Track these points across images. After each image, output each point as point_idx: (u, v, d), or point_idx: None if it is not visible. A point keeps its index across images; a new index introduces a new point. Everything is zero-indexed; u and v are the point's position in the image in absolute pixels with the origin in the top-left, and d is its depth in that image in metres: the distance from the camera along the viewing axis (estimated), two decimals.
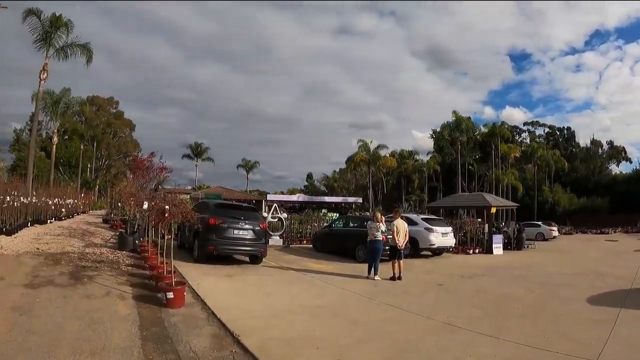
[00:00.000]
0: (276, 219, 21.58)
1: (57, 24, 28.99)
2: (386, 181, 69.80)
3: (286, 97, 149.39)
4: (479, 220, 25.03)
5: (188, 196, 37.95)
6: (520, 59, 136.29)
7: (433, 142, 68.50)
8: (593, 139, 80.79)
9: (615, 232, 48.89)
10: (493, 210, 23.36)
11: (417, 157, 70.54)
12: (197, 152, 73.95)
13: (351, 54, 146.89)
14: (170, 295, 7.56)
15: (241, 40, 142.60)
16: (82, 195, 38.90)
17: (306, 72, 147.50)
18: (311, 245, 20.26)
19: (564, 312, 8.35)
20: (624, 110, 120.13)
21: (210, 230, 12.58)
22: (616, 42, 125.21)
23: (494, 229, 22.76)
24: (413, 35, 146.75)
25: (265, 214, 20.97)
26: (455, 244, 20.11)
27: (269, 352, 5.47)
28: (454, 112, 52.61)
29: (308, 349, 5.69)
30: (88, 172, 62.99)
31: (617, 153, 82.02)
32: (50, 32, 28.90)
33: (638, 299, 9.77)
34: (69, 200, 28.40)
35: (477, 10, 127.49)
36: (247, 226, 13.07)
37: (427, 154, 67.36)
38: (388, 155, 61.87)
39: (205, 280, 10.00)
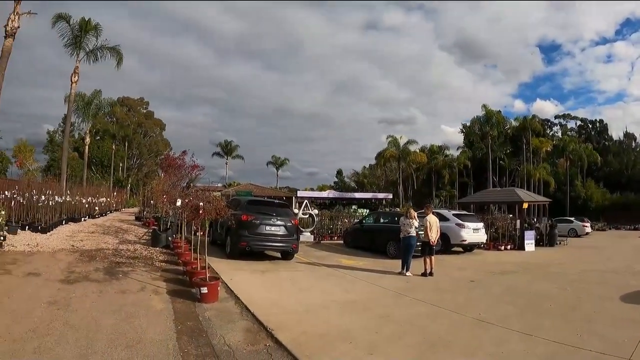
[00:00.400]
0: (307, 215, 21.72)
1: (86, 28, 29.70)
2: (416, 177, 69.29)
3: (316, 93, 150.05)
4: (510, 216, 24.73)
5: (219, 193, 38.34)
6: (550, 50, 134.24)
7: (463, 137, 68.11)
8: (626, 131, 79.44)
9: None
10: (525, 205, 23.00)
11: (447, 152, 69.57)
12: (227, 150, 74.60)
13: (380, 50, 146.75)
14: (205, 290, 7.70)
15: (271, 38, 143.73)
16: (115, 193, 39.65)
17: (336, 68, 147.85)
18: (342, 242, 20.35)
19: (597, 310, 8.25)
20: None
21: (243, 226, 12.71)
22: None
23: (526, 225, 22.50)
24: (441, 28, 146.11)
25: (296, 210, 20.99)
26: (486, 240, 19.94)
27: (302, 346, 5.52)
28: (484, 105, 52.19)
29: (341, 343, 5.75)
30: (120, 171, 64.13)
31: None
32: (80, 36, 29.63)
33: None
34: (102, 199, 29.03)
35: (506, 1, 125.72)
36: (278, 222, 13.22)
37: (457, 149, 66.93)
38: (418, 150, 61.57)
39: (238, 276, 10.15)
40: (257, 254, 13.35)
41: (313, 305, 7.78)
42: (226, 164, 75.17)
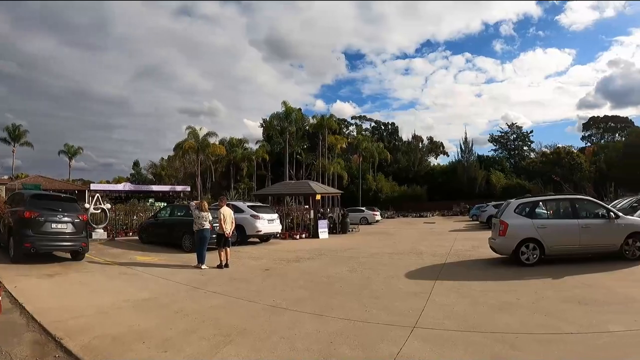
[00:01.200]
0: (99, 211, 20.25)
1: None
2: (215, 169, 68.92)
3: (120, 76, 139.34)
4: (306, 207, 26.03)
5: (3, 188, 34.53)
6: (354, 58, 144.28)
7: (262, 131, 69.66)
8: (414, 134, 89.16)
9: (433, 215, 54.33)
10: (318, 197, 24.47)
11: (246, 145, 70.39)
12: (14, 135, 65.31)
13: (190, 37, 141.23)
14: None
15: (76, 10, 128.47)
16: None
17: (143, 51, 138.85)
18: (137, 237, 19.44)
19: (384, 288, 9.02)
20: (446, 111, 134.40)
21: (26, 225, 11.47)
22: (444, 53, 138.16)
23: (320, 215, 23.83)
24: (255, 24, 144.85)
25: (87, 205, 19.68)
26: (282, 230, 20.76)
27: (94, 352, 5.18)
28: (284, 102, 53.97)
29: (135, 343, 5.50)
30: None
31: (436, 147, 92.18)
32: None
33: (450, 272, 10.97)
34: None
35: (323, 8, 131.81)
36: (65, 219, 12.13)
37: (256, 143, 67.91)
38: (217, 142, 61.37)
39: (23, 282, 9.16)
40: (45, 256, 12.19)
41: (106, 307, 7.29)
42: (13, 152, 66.53)
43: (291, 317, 6.72)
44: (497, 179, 65.91)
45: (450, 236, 23.15)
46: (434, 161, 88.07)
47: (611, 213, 11.81)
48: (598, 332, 5.81)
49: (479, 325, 6.21)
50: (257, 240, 19.20)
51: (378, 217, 40.97)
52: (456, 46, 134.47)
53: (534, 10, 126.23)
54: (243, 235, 17.64)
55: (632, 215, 13.72)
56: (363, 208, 42.56)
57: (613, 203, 22.01)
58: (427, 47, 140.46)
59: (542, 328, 6.04)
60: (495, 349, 5.23)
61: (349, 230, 26.49)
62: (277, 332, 5.97)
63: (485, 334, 5.82)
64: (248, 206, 19.07)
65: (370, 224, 37.51)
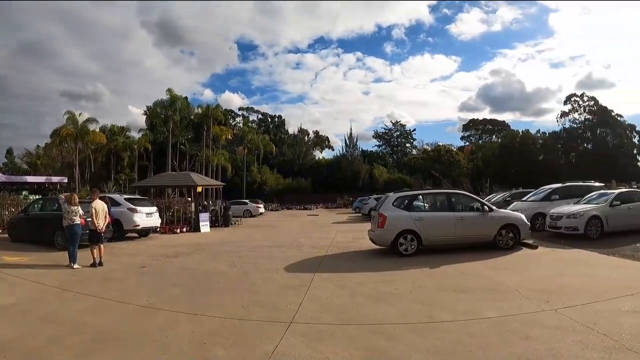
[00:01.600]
0: None
1: None
2: (95, 159, 65.00)
3: None
4: (189, 199, 25.52)
5: None
6: (247, 49, 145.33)
7: (145, 119, 66.85)
8: (301, 127, 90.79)
9: (317, 207, 55.47)
10: (199, 189, 24.12)
11: (129, 134, 66.92)
12: None
13: (78, 13, 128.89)
14: None
15: None
16: None
17: (27, 25, 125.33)
18: (7, 235, 17.66)
19: (263, 283, 9.03)
20: (333, 107, 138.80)
21: None
22: (336, 50, 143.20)
23: (201, 208, 23.50)
24: (148, 5, 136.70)
25: None
26: (162, 223, 20.22)
27: None
28: (169, 89, 51.98)
29: None
30: None
31: (322, 141, 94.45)
32: None
33: (330, 264, 11.26)
34: None
35: None
36: None
37: (139, 131, 65.23)
38: (98, 130, 57.97)
39: None
40: None
41: None
42: None
43: (165, 318, 6.51)
44: (379, 173, 69.12)
45: (332, 228, 23.66)
46: (319, 155, 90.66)
47: (485, 206, 12.83)
48: (474, 319, 6.14)
49: (356, 317, 6.39)
50: (136, 235, 18.42)
51: (262, 210, 41.26)
52: (349, 45, 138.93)
53: (427, 17, 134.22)
54: (120, 231, 16.79)
55: (506, 209, 15.11)
56: (246, 200, 42.40)
57: (488, 197, 24.03)
58: (320, 43, 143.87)
59: (419, 317, 6.30)
60: (372, 340, 5.38)
61: (232, 224, 26.42)
62: (149, 335, 5.74)
63: (363, 325, 5.98)
64: (125, 199, 18.13)
65: (253, 216, 37.57)
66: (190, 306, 7.13)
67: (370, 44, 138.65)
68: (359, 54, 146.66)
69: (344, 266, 10.99)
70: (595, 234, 13.89)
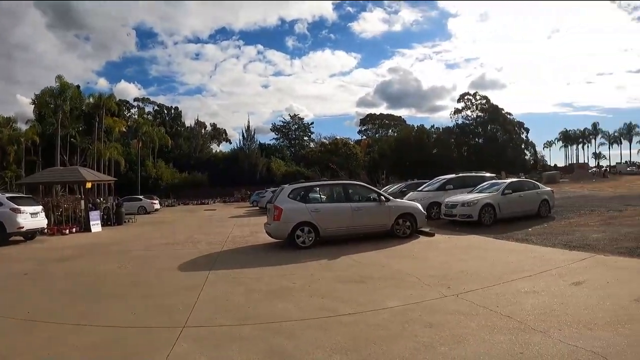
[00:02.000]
0: None
1: None
2: None
3: None
4: (79, 196, 24.14)
5: None
6: (146, 36, 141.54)
7: (34, 109, 61.90)
8: (198, 120, 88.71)
9: (214, 202, 54.73)
10: (88, 185, 22.84)
11: (16, 125, 61.64)
12: None
13: None
14: None
15: None
16: None
17: None
18: None
19: (155, 284, 8.59)
20: (232, 100, 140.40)
21: None
22: (237, 42, 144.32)
23: (91, 206, 22.33)
24: None
25: None
26: (49, 224, 18.84)
27: None
28: (59, 77, 48.62)
29: None
30: None
31: (219, 134, 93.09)
32: None
33: (226, 260, 10.99)
34: None
35: None
36: None
37: (26, 122, 60.40)
38: None
39: None
40: None
41: None
42: None
43: (48, 332, 5.75)
44: (277, 166, 69.41)
45: (229, 223, 23.51)
46: (216, 148, 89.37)
47: (382, 196, 13.19)
48: (376, 310, 6.09)
49: (254, 316, 6.12)
50: (21, 238, 16.90)
51: (157, 206, 40.05)
52: (250, 37, 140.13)
53: (330, 14, 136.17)
54: (3, 234, 15.41)
55: (402, 199, 15.61)
56: (141, 197, 40.92)
57: (384, 188, 24.74)
58: (221, 34, 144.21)
59: (319, 312, 6.16)
60: (272, 340, 5.12)
61: (125, 221, 25.30)
62: (27, 353, 5.05)
63: (261, 325, 5.71)
64: (8, 198, 16.49)
65: (148, 213, 36.38)
66: (77, 316, 6.44)
67: (273, 37, 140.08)
68: (260, 46, 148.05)
69: (240, 262, 10.72)
70: (489, 221, 14.85)
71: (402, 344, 4.77)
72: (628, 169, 76.19)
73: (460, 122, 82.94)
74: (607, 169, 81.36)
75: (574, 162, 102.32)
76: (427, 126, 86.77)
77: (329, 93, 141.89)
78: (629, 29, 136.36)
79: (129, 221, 25.82)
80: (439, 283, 7.39)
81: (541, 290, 6.66)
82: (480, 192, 16.34)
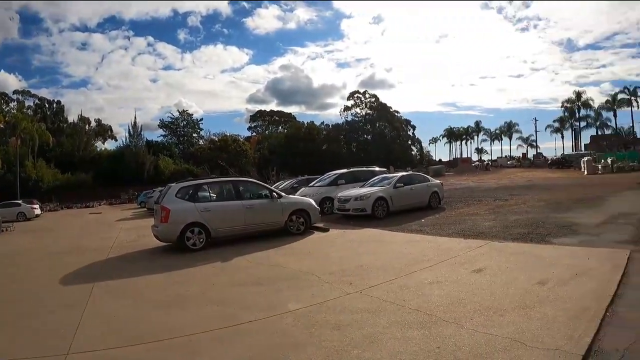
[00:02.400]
0: None
1: None
2: None
3: None
4: None
5: None
6: (30, 22, 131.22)
7: None
8: (81, 115, 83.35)
9: (100, 205, 52.21)
10: None
11: None
12: None
13: None
14: None
15: None
16: None
17: None
18: None
19: (33, 303, 7.59)
20: (119, 94, 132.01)
21: None
22: (127, 32, 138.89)
23: None
24: None
25: None
26: None
27: None
28: None
29: None
30: None
31: (105, 131, 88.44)
32: None
33: (113, 269, 10.31)
34: None
35: None
36: None
37: None
38: None
39: None
40: None
41: None
42: None
43: None
44: (165, 164, 67.57)
45: (116, 226, 22.70)
46: (101, 146, 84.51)
47: (274, 193, 13.20)
48: (278, 315, 5.85)
49: (147, 333, 5.56)
50: None
51: (38, 211, 37.69)
52: (141, 28, 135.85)
53: (225, 8, 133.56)
54: None
55: (294, 195, 15.75)
56: (20, 202, 38.03)
57: (276, 184, 24.92)
58: (111, 23, 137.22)
59: (218, 321, 5.76)
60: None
61: (2, 230, 23.45)
62: None
63: (155, 343, 5.20)
64: None
65: (29, 219, 34.18)
66: None
67: (164, 29, 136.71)
68: (150, 38, 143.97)
69: (127, 270, 10.03)
70: (382, 214, 15.32)
71: (311, 352, 4.57)
72: (508, 162, 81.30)
73: (349, 119, 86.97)
74: (490, 162, 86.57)
75: (458, 156, 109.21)
76: (317, 123, 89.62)
77: (220, 89, 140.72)
78: (512, 39, 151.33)
79: (6, 230, 23.96)
80: (340, 280, 7.36)
81: (444, 280, 6.81)
82: (372, 186, 16.78)
